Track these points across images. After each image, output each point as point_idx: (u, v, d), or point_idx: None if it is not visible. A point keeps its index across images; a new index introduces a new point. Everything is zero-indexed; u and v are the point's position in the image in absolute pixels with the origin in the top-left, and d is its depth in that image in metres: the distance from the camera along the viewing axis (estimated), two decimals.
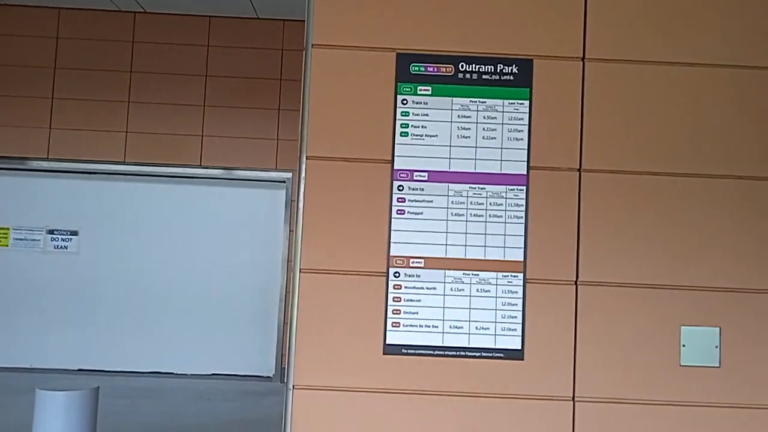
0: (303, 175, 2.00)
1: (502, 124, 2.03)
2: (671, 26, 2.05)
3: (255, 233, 6.45)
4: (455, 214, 2.00)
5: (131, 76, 6.38)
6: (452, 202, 2.00)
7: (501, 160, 2.02)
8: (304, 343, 1.95)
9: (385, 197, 2.00)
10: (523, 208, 2.00)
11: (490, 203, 2.00)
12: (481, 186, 2.00)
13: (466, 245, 1.99)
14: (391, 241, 1.98)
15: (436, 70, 2.04)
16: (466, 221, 1.99)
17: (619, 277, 1.98)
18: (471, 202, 2.00)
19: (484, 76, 2.04)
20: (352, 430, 1.93)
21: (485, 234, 1.99)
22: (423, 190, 2.00)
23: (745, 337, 1.98)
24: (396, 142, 2.02)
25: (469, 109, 2.03)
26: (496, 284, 1.97)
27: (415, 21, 2.04)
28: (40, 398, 2.77)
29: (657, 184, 2.01)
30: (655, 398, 1.96)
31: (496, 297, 1.97)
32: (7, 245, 6.35)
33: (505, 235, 1.99)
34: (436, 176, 2.01)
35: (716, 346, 1.97)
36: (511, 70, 2.04)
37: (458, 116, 2.03)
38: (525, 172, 2.01)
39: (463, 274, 1.97)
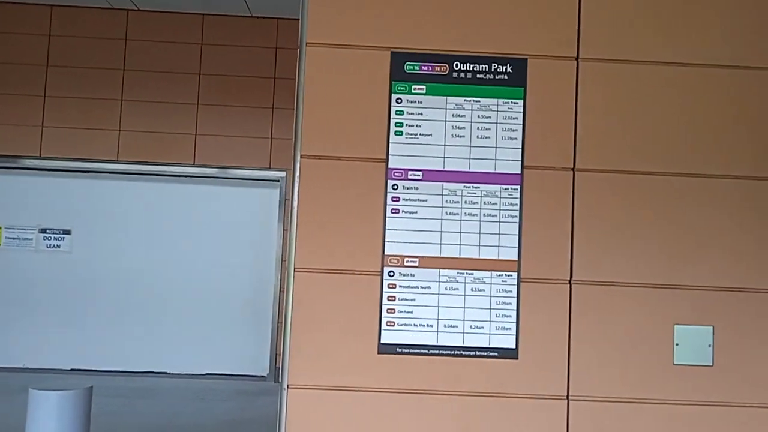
0: (297, 173, 2.00)
1: (497, 123, 2.03)
2: (665, 26, 2.06)
3: (249, 232, 6.43)
4: (450, 214, 2.00)
5: (124, 74, 6.36)
6: (447, 201, 2.00)
7: (495, 160, 2.02)
8: (298, 343, 1.94)
9: (379, 196, 1.99)
10: (518, 208, 2.00)
11: (485, 202, 2.00)
12: (475, 185, 2.01)
13: (460, 244, 1.99)
14: (386, 240, 1.98)
15: (430, 69, 2.03)
16: (461, 220, 2.00)
17: (613, 276, 1.99)
18: (465, 202, 2.00)
19: (478, 76, 2.04)
20: (347, 430, 1.93)
21: (480, 233, 1.99)
22: (417, 189, 2.00)
23: (738, 336, 1.99)
24: (390, 141, 2.01)
25: (464, 109, 2.03)
26: (491, 283, 1.97)
27: (409, 20, 2.04)
28: (34, 398, 2.75)
29: (651, 183, 2.02)
30: (649, 397, 1.97)
31: (490, 296, 1.97)
32: None
33: (499, 234, 1.99)
34: (430, 175, 2.01)
35: (709, 345, 1.98)
36: (506, 69, 2.04)
37: (453, 115, 2.03)
38: (519, 172, 2.01)
39: (458, 273, 1.98)
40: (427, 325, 1.96)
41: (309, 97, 2.01)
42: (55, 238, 6.35)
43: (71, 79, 6.31)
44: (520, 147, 2.02)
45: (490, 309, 1.97)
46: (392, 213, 1.99)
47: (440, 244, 1.98)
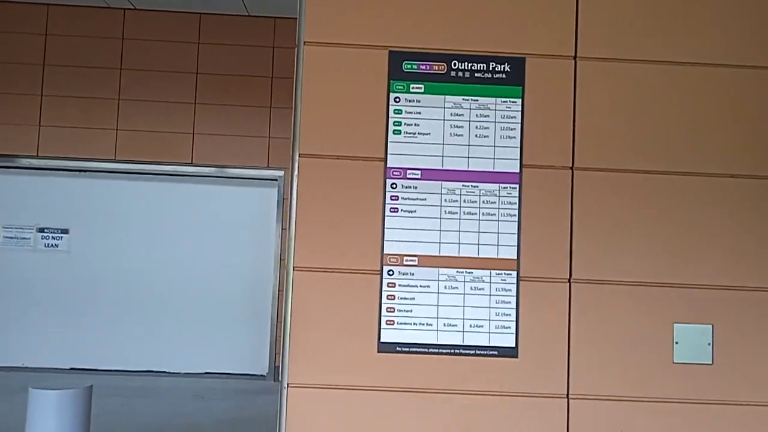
0: (296, 172, 2.00)
1: (495, 122, 2.03)
2: (663, 25, 2.06)
3: (247, 231, 6.43)
4: (448, 212, 2.00)
5: (121, 73, 6.35)
6: (445, 200, 2.00)
7: (494, 159, 2.02)
8: (298, 342, 1.95)
9: (378, 195, 1.99)
10: (516, 206, 2.00)
11: (484, 201, 2.00)
12: (474, 184, 2.01)
13: (459, 243, 1.99)
14: (385, 239, 1.98)
15: (428, 68, 2.03)
16: (460, 219, 2.00)
17: (613, 274, 1.99)
18: (464, 200, 2.00)
19: (476, 74, 2.04)
20: (346, 428, 1.93)
21: (479, 232, 1.99)
22: (416, 188, 2.00)
23: (738, 334, 1.99)
24: (389, 140, 2.01)
25: (462, 107, 2.03)
26: (490, 282, 1.98)
27: (407, 19, 2.04)
28: (33, 397, 2.75)
29: (650, 182, 2.02)
30: (649, 395, 1.97)
31: (489, 295, 1.97)
32: None
33: (498, 233, 1.99)
34: (429, 174, 2.01)
35: (709, 344, 1.98)
36: (504, 68, 2.04)
37: (451, 114, 2.03)
38: (518, 170, 2.01)
39: (457, 272, 1.98)
40: (427, 324, 1.96)
41: (307, 96, 2.01)
42: (53, 238, 6.34)
43: (69, 79, 6.30)
44: (519, 146, 2.02)
45: (490, 308, 1.97)
46: (391, 212, 1.99)
47: (439, 243, 1.99)
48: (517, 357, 1.96)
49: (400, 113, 2.02)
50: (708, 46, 2.06)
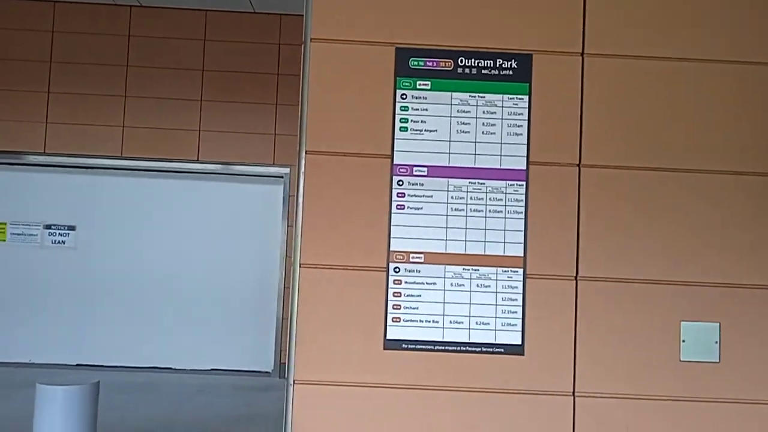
0: (302, 169, 2.00)
1: (502, 119, 2.03)
2: (670, 21, 2.05)
3: (253, 229, 6.44)
4: (455, 210, 1.99)
5: (128, 71, 6.36)
6: (452, 197, 2.00)
7: (500, 155, 2.01)
8: (304, 338, 1.95)
9: (384, 192, 1.99)
10: (523, 204, 2.00)
11: (490, 198, 2.00)
12: (480, 181, 2.00)
13: (466, 240, 1.98)
14: (391, 236, 1.98)
15: (435, 64, 2.03)
16: (466, 216, 1.99)
17: (620, 272, 1.99)
18: (471, 198, 2.00)
19: (483, 71, 2.03)
20: (352, 425, 1.93)
21: (485, 229, 1.99)
22: (422, 185, 2.00)
23: (745, 332, 1.98)
24: (395, 136, 2.01)
25: (469, 104, 2.03)
26: (496, 279, 1.97)
27: (414, 15, 2.03)
28: (41, 393, 2.76)
29: (657, 179, 2.01)
30: (656, 393, 1.96)
31: (496, 292, 1.97)
32: (4, 240, 6.33)
33: (504, 230, 1.99)
34: (435, 171, 2.01)
35: (716, 342, 1.97)
36: (511, 65, 2.03)
37: (457, 111, 2.02)
38: (525, 168, 2.01)
39: (463, 269, 1.97)
40: (433, 321, 1.96)
41: (314, 93, 2.01)
42: (60, 234, 6.37)
43: (74, 76, 6.32)
44: (526, 143, 2.01)
45: (496, 305, 1.97)
46: (397, 209, 1.99)
47: (446, 240, 1.98)
48: (523, 354, 1.96)
49: (407, 110, 2.02)
50: (715, 43, 2.05)
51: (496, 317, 1.96)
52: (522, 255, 1.98)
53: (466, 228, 1.99)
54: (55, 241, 6.36)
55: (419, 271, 1.97)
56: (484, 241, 1.99)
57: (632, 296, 1.98)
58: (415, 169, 2.01)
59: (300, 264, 1.97)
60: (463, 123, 2.02)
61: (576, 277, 1.99)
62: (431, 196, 2.00)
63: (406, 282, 1.97)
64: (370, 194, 1.99)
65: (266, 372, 6.31)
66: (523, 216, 1.99)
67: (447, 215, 1.99)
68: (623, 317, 1.98)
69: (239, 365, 6.31)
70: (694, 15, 2.05)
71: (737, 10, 2.06)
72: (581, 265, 1.99)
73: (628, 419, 1.95)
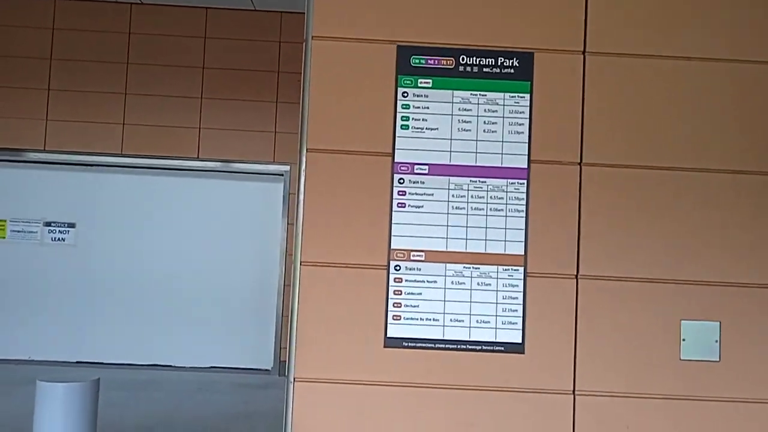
0: (303, 167, 2.00)
1: (503, 117, 2.02)
2: (672, 20, 2.05)
3: (253, 226, 6.44)
4: (456, 208, 1.99)
5: (128, 68, 6.35)
6: (453, 195, 2.00)
7: (502, 154, 2.01)
8: (305, 336, 1.95)
9: (385, 190, 1.99)
10: (524, 202, 2.00)
11: (491, 197, 2.00)
12: (481, 179, 2.00)
13: (466, 239, 1.99)
14: (392, 234, 1.98)
15: (436, 62, 2.03)
16: (467, 215, 1.99)
17: (620, 271, 1.99)
18: (472, 196, 2.00)
19: (484, 69, 2.03)
20: (352, 423, 1.94)
21: (486, 227, 1.99)
22: (423, 183, 2.00)
23: (745, 331, 1.99)
24: (397, 134, 2.01)
25: (470, 102, 2.02)
26: (497, 278, 1.97)
27: (415, 13, 2.03)
28: (41, 390, 2.76)
29: (658, 178, 2.01)
30: (656, 392, 1.97)
31: (496, 290, 1.97)
32: (4, 237, 6.33)
33: (505, 228, 1.99)
34: (436, 169, 2.01)
35: (716, 341, 1.97)
36: (512, 63, 2.03)
37: (459, 109, 2.02)
38: (526, 166, 2.01)
39: (464, 267, 1.97)
40: (434, 319, 1.96)
41: (315, 91, 2.01)
42: (60, 232, 6.37)
43: (75, 73, 6.31)
44: (527, 141, 2.01)
45: (497, 303, 1.97)
46: (398, 207, 1.99)
47: (446, 238, 1.98)
48: (523, 353, 1.96)
49: (408, 108, 2.02)
50: (717, 43, 2.04)
51: (496, 315, 1.97)
52: (523, 253, 1.98)
53: (467, 226, 1.99)
54: (55, 238, 6.36)
55: (420, 269, 1.97)
56: (485, 240, 1.99)
57: (633, 295, 1.98)
58: (416, 167, 2.01)
59: (301, 262, 1.97)
60: (465, 121, 2.02)
61: (576, 276, 1.99)
62: (432, 195, 2.00)
63: (406, 280, 1.97)
64: (371, 192, 1.99)
65: (266, 370, 6.31)
66: (523, 214, 1.99)
67: (448, 213, 1.99)
68: (624, 316, 1.98)
69: (239, 363, 6.31)
70: (696, 14, 2.05)
71: (738, 10, 2.05)
72: (582, 263, 1.99)
73: (628, 418, 1.96)
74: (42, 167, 6.36)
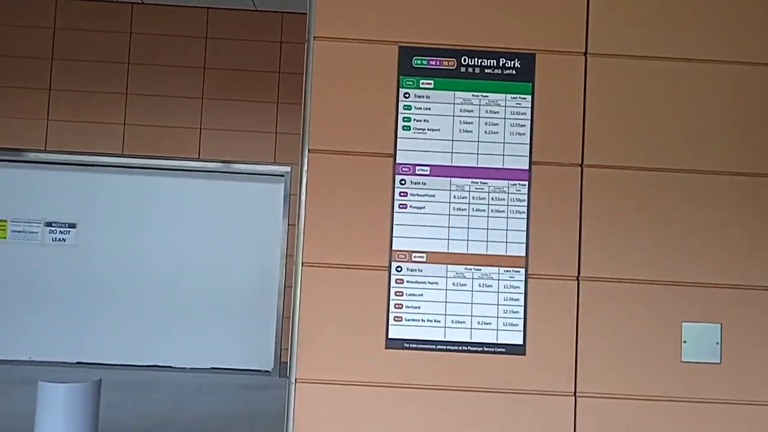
0: (305, 168, 2.00)
1: (505, 118, 2.02)
2: (674, 22, 2.05)
3: (254, 227, 6.44)
4: (457, 209, 1.99)
5: (129, 68, 6.36)
6: (454, 196, 2.00)
7: (503, 155, 2.01)
8: (306, 337, 1.95)
9: (387, 191, 1.99)
10: (525, 203, 2.00)
11: (492, 198, 2.00)
12: (483, 181, 2.00)
13: (468, 240, 1.98)
14: (393, 235, 1.98)
15: (438, 63, 2.03)
16: (468, 216, 1.99)
17: (621, 272, 1.99)
18: (473, 197, 2.00)
19: (486, 70, 2.03)
20: (354, 424, 1.93)
21: (487, 229, 1.99)
22: (425, 184, 2.00)
23: (747, 333, 1.98)
24: (398, 135, 2.01)
25: (472, 104, 2.02)
26: (498, 279, 1.97)
27: (417, 14, 2.03)
28: (43, 390, 2.77)
29: (659, 180, 2.01)
30: (657, 394, 1.96)
31: (498, 292, 1.97)
32: (5, 237, 6.33)
33: (507, 230, 1.99)
34: (438, 170, 2.01)
35: (717, 343, 1.97)
36: (514, 64, 2.03)
37: (460, 110, 2.02)
38: (527, 167, 2.01)
39: (465, 268, 1.97)
40: (435, 321, 1.96)
41: (317, 91, 2.01)
42: (61, 232, 6.37)
43: (76, 73, 6.32)
44: (528, 142, 2.01)
45: (498, 305, 1.97)
46: (400, 208, 1.99)
47: (448, 239, 1.98)
48: (524, 354, 1.96)
49: (410, 109, 2.02)
50: (719, 44, 2.04)
51: (497, 317, 1.96)
52: (524, 255, 1.98)
53: (468, 227, 1.99)
54: (55, 238, 6.36)
55: (421, 271, 1.97)
56: (487, 241, 1.99)
57: (634, 297, 1.98)
58: (417, 168, 2.01)
59: (302, 263, 1.97)
60: (466, 122, 2.02)
61: (578, 278, 1.99)
62: (434, 196, 2.00)
63: (408, 281, 1.97)
64: (372, 193, 1.99)
65: (266, 371, 6.31)
66: (525, 216, 1.99)
67: (449, 215, 1.99)
68: (625, 318, 1.98)
69: (239, 364, 6.31)
70: (698, 16, 2.05)
71: (740, 11, 2.06)
72: (583, 265, 1.99)
73: (629, 420, 1.95)
74: (43, 167, 6.37)
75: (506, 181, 2.00)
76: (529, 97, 2.03)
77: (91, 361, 6.20)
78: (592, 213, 2.00)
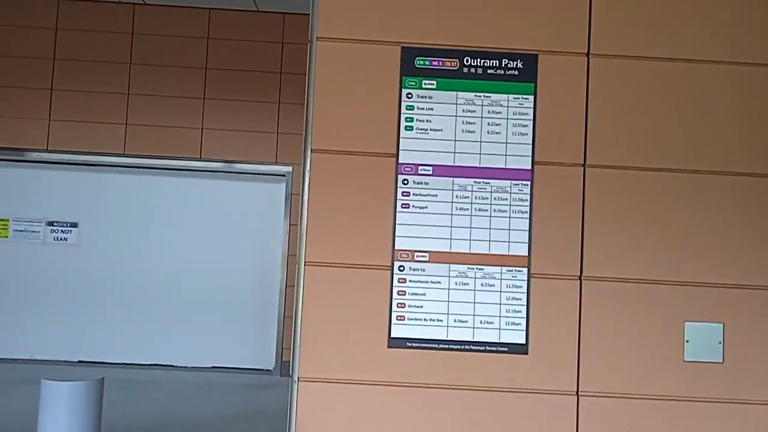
0: (308, 168, 2.00)
1: (507, 118, 2.03)
2: (676, 23, 2.05)
3: (255, 227, 6.45)
4: (460, 209, 2.00)
5: (131, 68, 6.37)
6: (457, 196, 2.00)
7: (506, 155, 2.02)
8: (309, 336, 1.95)
9: (389, 191, 2.00)
10: (528, 203, 2.00)
11: (495, 198, 2.00)
12: (485, 180, 2.01)
13: (470, 239, 1.99)
14: (396, 234, 1.99)
15: (440, 64, 2.04)
16: (471, 216, 2.00)
17: (623, 272, 1.99)
18: (476, 197, 2.00)
19: (488, 71, 2.04)
20: (356, 423, 1.94)
21: (490, 228, 2.00)
22: (428, 184, 2.01)
23: (749, 333, 1.99)
24: (401, 135, 2.02)
25: (474, 104, 2.03)
26: (501, 279, 1.98)
27: (420, 15, 2.04)
28: (46, 388, 2.77)
29: (662, 180, 2.01)
30: (659, 393, 1.97)
31: (500, 291, 1.97)
32: (7, 236, 6.35)
33: (509, 229, 1.99)
34: (440, 170, 2.01)
35: (720, 342, 1.98)
36: (516, 65, 2.04)
37: (463, 110, 2.03)
38: (529, 167, 2.01)
39: (468, 268, 1.98)
40: (437, 320, 1.97)
41: (319, 91, 2.01)
42: (62, 231, 6.38)
43: (78, 73, 6.33)
44: (531, 143, 2.02)
45: (500, 304, 1.97)
46: (402, 208, 2.00)
47: (450, 239, 1.99)
48: (527, 354, 1.96)
49: (412, 109, 2.02)
50: (721, 45, 2.05)
51: (500, 316, 1.97)
52: (527, 254, 1.99)
53: (470, 227, 1.99)
54: (57, 237, 6.37)
55: (424, 270, 1.98)
56: (489, 241, 1.99)
57: (636, 296, 1.99)
58: (420, 168, 2.01)
59: (305, 262, 1.98)
60: (469, 122, 2.03)
61: (580, 277, 1.99)
62: (436, 196, 2.00)
63: (410, 280, 1.97)
64: (375, 193, 2.00)
65: (267, 370, 6.32)
66: (527, 216, 2.00)
67: (452, 214, 2.00)
68: (627, 317, 1.98)
69: (241, 363, 6.32)
70: (700, 16, 2.06)
71: (743, 11, 2.06)
72: (585, 264, 1.99)
73: (631, 419, 1.96)
74: (45, 167, 6.38)
75: (509, 181, 2.01)
76: (531, 98, 2.03)
77: (93, 360, 6.21)
78: (594, 213, 2.00)
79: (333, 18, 2.03)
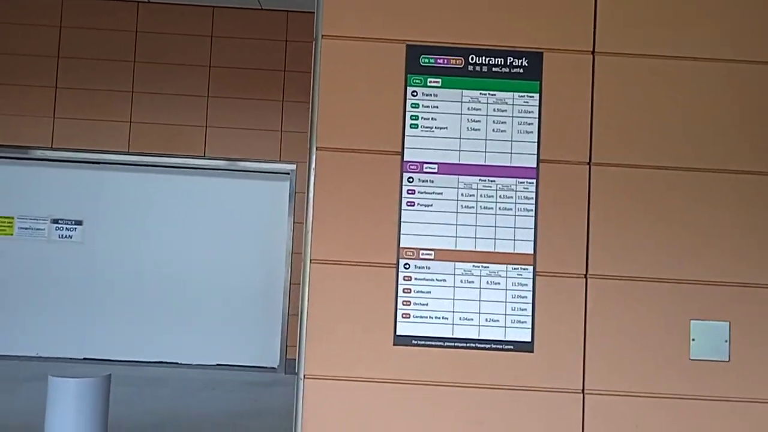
0: (313, 165, 2.01)
1: (512, 116, 2.03)
2: (682, 20, 2.05)
3: (259, 225, 6.46)
4: (465, 207, 2.00)
5: (135, 66, 6.38)
6: (462, 194, 2.00)
7: (511, 153, 2.02)
8: (314, 334, 1.96)
9: (394, 189, 2.00)
10: (533, 201, 2.00)
11: (500, 196, 2.00)
12: (491, 178, 2.01)
13: (476, 237, 1.99)
14: (401, 232, 1.99)
15: (446, 62, 2.03)
16: (476, 213, 2.00)
17: (629, 270, 1.99)
18: (481, 195, 2.00)
19: (494, 69, 2.04)
20: (362, 420, 1.95)
21: (495, 226, 2.00)
22: (433, 182, 2.01)
23: (755, 331, 1.98)
24: (406, 133, 2.02)
25: (479, 102, 2.03)
26: (506, 277, 1.98)
27: (425, 13, 2.03)
28: (53, 385, 2.79)
29: (667, 178, 2.01)
30: (665, 392, 1.97)
31: (506, 289, 1.98)
32: (12, 234, 6.37)
33: (515, 227, 2.00)
34: (445, 168, 2.01)
35: (726, 341, 1.97)
36: (521, 62, 2.03)
37: (468, 108, 2.03)
38: (535, 165, 2.01)
39: (473, 266, 1.98)
40: (443, 318, 1.97)
41: (324, 89, 2.01)
42: (67, 229, 6.40)
43: (83, 71, 6.34)
44: (536, 141, 2.02)
45: (506, 302, 1.97)
46: (407, 206, 2.00)
47: (456, 237, 1.99)
48: (532, 351, 1.96)
49: (417, 107, 2.02)
50: (727, 43, 2.04)
51: (505, 314, 1.97)
52: (532, 252, 1.99)
53: (476, 225, 2.00)
54: (62, 235, 6.39)
55: (429, 268, 1.98)
56: (494, 239, 1.99)
57: (642, 294, 1.99)
58: (425, 166, 2.01)
59: (310, 260, 1.98)
60: (474, 120, 2.03)
61: (586, 275, 1.99)
62: (441, 193, 2.00)
63: (416, 278, 1.98)
64: (380, 191, 2.00)
65: (272, 368, 6.34)
66: (533, 214, 2.00)
67: (457, 212, 2.00)
68: (633, 315, 1.98)
69: (245, 361, 6.33)
70: (706, 14, 2.05)
71: (749, 9, 2.05)
72: (591, 263, 1.99)
73: (637, 417, 1.96)
74: (49, 165, 6.40)
75: (514, 179, 2.01)
76: (536, 96, 2.03)
77: (98, 357, 6.24)
78: (600, 211, 2.00)
79: (338, 16, 2.03)
